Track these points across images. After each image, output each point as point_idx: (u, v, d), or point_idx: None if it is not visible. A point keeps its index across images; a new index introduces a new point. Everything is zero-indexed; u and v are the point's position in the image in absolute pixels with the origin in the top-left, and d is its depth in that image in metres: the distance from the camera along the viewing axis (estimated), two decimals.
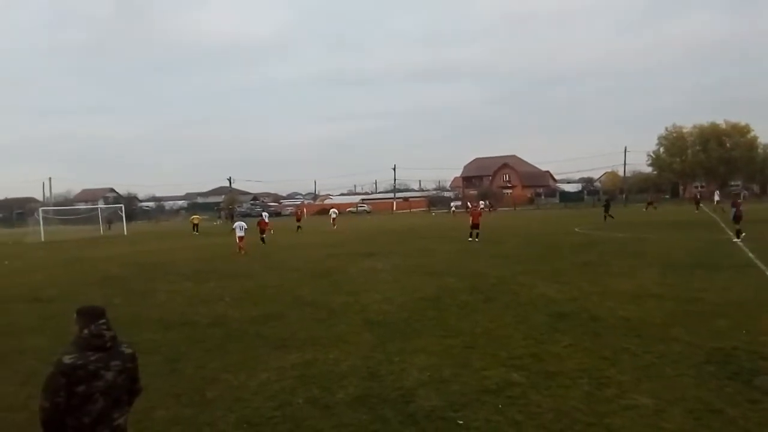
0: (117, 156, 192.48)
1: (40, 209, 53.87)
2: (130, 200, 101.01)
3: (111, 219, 60.44)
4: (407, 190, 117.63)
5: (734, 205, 23.64)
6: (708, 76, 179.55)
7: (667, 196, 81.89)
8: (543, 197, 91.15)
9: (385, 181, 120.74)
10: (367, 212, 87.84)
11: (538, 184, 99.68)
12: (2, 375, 7.60)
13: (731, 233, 22.89)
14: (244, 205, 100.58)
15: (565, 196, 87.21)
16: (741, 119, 79.37)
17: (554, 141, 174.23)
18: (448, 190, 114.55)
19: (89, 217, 60.81)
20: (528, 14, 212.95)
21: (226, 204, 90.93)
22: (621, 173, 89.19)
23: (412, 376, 6.91)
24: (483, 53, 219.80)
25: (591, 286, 12.70)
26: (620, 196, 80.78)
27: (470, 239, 26.34)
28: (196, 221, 47.45)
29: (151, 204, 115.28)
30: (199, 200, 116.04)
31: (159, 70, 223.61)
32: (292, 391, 6.62)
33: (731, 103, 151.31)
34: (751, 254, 16.87)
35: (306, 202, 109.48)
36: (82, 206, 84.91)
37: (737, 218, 22.25)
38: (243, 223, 26.47)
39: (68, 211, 68.26)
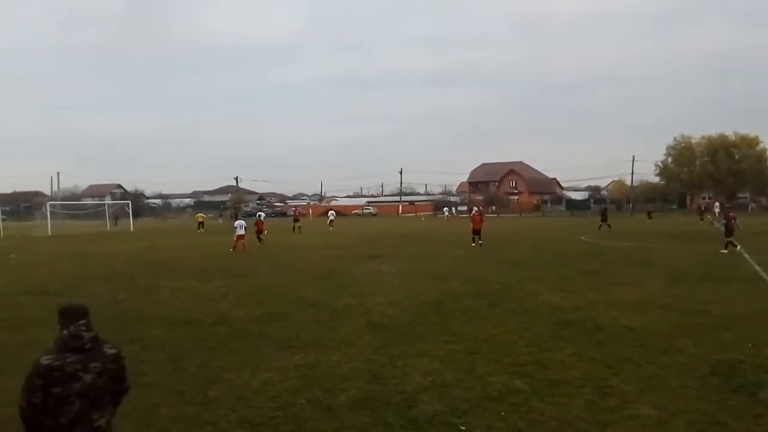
0: (125, 153, 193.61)
1: (48, 203, 54.15)
2: (137, 197, 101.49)
3: (117, 215, 60.82)
4: (413, 193, 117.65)
5: (726, 217, 23.67)
6: (718, 87, 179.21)
7: (674, 207, 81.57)
8: (549, 204, 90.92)
9: (392, 185, 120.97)
10: (373, 215, 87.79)
11: (544, 191, 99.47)
12: (8, 368, 7.63)
13: (739, 245, 22.80)
14: (250, 204, 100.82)
15: (572, 204, 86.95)
16: (750, 131, 78.88)
17: (562, 148, 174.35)
18: (454, 195, 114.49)
19: (96, 213, 61.16)
20: (539, 21, 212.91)
21: (232, 203, 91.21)
22: (628, 182, 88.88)
23: (414, 381, 6.90)
24: (493, 59, 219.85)
25: (596, 295, 12.66)
26: (627, 205, 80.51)
27: (473, 244, 26.40)
28: (201, 219, 47.73)
29: (157, 201, 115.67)
30: (206, 199, 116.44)
31: (169, 69, 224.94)
32: (294, 391, 6.63)
33: (741, 115, 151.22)
34: (757, 267, 16.79)
35: (312, 203, 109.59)
36: (89, 201, 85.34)
37: (729, 231, 22.29)
38: (243, 222, 26.89)
39: (75, 206, 68.61)
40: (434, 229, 44.20)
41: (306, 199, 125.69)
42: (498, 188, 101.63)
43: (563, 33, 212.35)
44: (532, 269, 17.52)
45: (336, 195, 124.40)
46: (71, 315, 3.36)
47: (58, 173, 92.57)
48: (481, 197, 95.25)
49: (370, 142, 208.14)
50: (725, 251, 21.47)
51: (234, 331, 9.87)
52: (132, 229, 49.77)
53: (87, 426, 3.27)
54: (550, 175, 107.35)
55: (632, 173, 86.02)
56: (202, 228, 45.13)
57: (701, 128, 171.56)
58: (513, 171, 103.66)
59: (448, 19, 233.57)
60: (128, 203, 60.69)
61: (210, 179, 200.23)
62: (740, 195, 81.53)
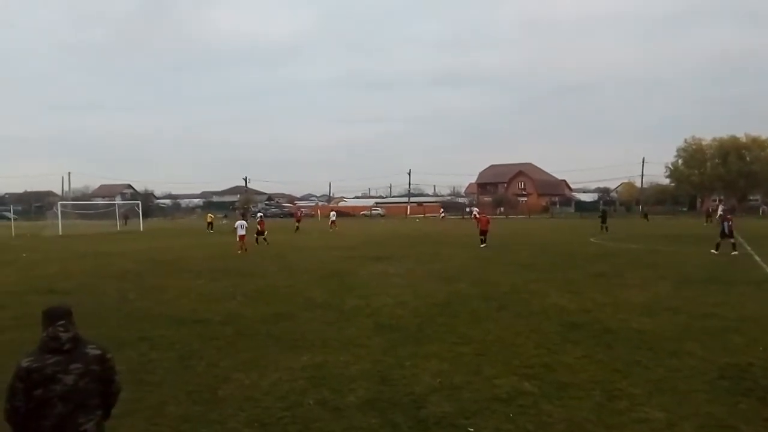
0: (135, 153, 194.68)
1: (59, 203, 54.49)
2: (147, 197, 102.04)
3: (127, 215, 61.13)
4: (422, 194, 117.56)
5: (723, 219, 23.54)
6: (729, 88, 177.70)
7: (684, 209, 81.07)
8: (558, 206, 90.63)
9: (400, 186, 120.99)
10: (381, 216, 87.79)
11: (553, 193, 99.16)
12: None
13: (748, 248, 22.67)
14: (259, 205, 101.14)
15: (581, 206, 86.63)
16: (762, 133, 78.21)
17: (571, 150, 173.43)
18: (462, 196, 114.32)
19: (106, 213, 61.47)
20: (548, 22, 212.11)
21: (241, 204, 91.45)
22: (638, 184, 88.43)
23: (423, 382, 6.90)
24: (502, 60, 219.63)
25: (604, 297, 12.61)
26: (636, 207, 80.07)
27: (483, 245, 26.44)
28: (210, 219, 48.03)
29: (167, 201, 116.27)
30: (215, 199, 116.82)
31: (179, 69, 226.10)
32: (302, 392, 6.65)
33: (752, 117, 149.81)
34: (767, 269, 16.68)
35: (320, 203, 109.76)
36: (99, 201, 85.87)
37: (729, 233, 22.20)
38: (244, 222, 27.30)
39: (86, 205, 68.94)
40: (439, 231, 44.15)
41: (314, 200, 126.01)
42: (507, 190, 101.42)
43: (573, 34, 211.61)
44: (540, 271, 17.47)
45: (344, 196, 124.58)
46: (51, 316, 3.31)
47: (69, 173, 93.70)
48: (490, 199, 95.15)
49: (378, 143, 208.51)
50: (735, 252, 21.51)
51: (242, 330, 9.91)
52: (142, 229, 50.02)
53: (72, 430, 3.22)
54: (560, 177, 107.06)
55: (642, 175, 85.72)
56: (212, 228, 45.43)
57: (712, 130, 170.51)
58: (522, 172, 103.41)
59: (458, 21, 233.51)
60: (138, 203, 60.97)
61: (219, 180, 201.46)
62: (751, 197, 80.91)
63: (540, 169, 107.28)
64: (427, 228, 49.03)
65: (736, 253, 21.38)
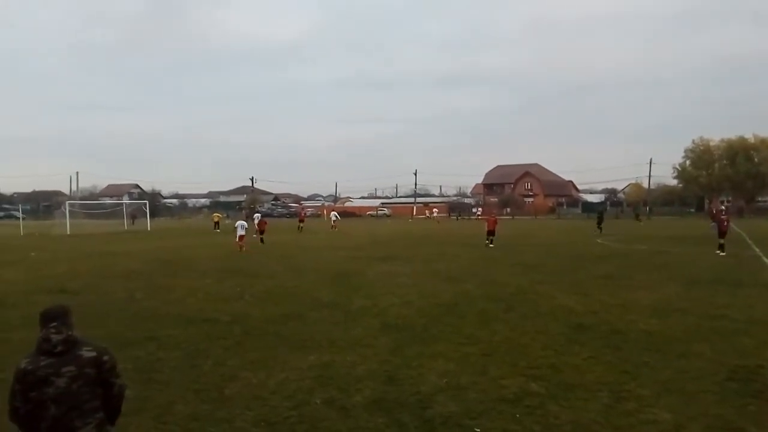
0: (143, 153, 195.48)
1: (67, 203, 54.76)
2: (154, 197, 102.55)
3: (135, 214, 61.44)
4: (428, 195, 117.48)
5: (715, 219, 23.62)
6: (737, 89, 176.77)
7: (692, 210, 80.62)
8: (565, 207, 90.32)
9: (406, 186, 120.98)
10: (387, 216, 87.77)
11: (560, 194, 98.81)
12: None
13: (757, 249, 22.57)
14: (265, 205, 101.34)
15: (588, 207, 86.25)
16: None
17: (578, 150, 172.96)
18: (469, 197, 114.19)
19: (114, 212, 61.85)
20: (554, 22, 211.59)
21: (247, 203, 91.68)
22: (645, 185, 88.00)
23: (429, 382, 6.90)
24: (508, 61, 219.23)
25: (612, 299, 12.56)
26: (644, 208, 79.70)
27: (491, 246, 26.45)
28: (217, 219, 48.21)
29: (174, 201, 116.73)
30: (222, 199, 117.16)
31: (186, 69, 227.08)
32: (309, 391, 6.66)
33: (760, 117, 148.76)
34: None
35: (326, 203, 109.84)
36: (107, 201, 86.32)
37: (721, 233, 22.29)
38: (244, 222, 27.67)
39: (94, 205, 69.31)
40: (446, 231, 44.11)
41: (321, 200, 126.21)
42: (513, 190, 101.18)
43: (581, 33, 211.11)
44: (547, 272, 17.43)
45: (350, 196, 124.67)
46: (44, 318, 3.30)
47: (77, 173, 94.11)
48: (496, 199, 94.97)
49: (384, 144, 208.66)
50: (722, 253, 21.86)
51: (249, 330, 9.93)
52: (149, 229, 50.24)
53: None
54: (566, 178, 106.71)
55: (649, 176, 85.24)
56: (218, 228, 45.61)
57: (720, 131, 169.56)
58: (528, 173, 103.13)
59: (464, 21, 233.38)
60: (145, 203, 61.17)
61: (226, 179, 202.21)
62: (760, 198, 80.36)
63: (546, 169, 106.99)
64: (418, 228, 48.99)
65: (722, 253, 21.71)
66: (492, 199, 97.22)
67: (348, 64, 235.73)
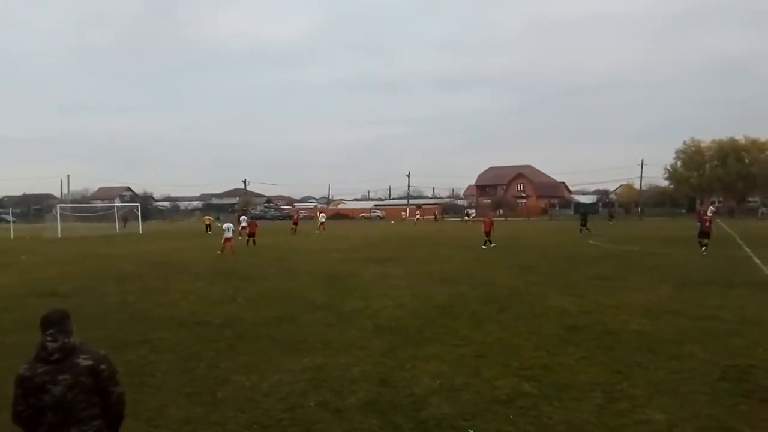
0: (134, 155, 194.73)
1: (58, 206, 54.41)
2: (146, 199, 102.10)
3: (126, 217, 61.12)
4: (421, 197, 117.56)
5: (699, 219, 24.05)
6: (729, 91, 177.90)
7: (684, 211, 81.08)
8: (557, 208, 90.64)
9: (400, 188, 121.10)
10: (380, 218, 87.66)
11: (552, 195, 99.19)
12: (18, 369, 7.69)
13: (748, 250, 22.75)
14: (258, 207, 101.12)
15: (580, 208, 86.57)
16: (761, 135, 78.29)
17: (570, 152, 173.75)
18: (461, 198, 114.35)
19: (105, 215, 61.54)
20: (549, 25, 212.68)
21: (240, 206, 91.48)
22: (637, 186, 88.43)
23: (423, 384, 6.90)
24: (502, 62, 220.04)
25: (605, 299, 12.60)
26: (636, 209, 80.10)
27: (490, 246, 26.88)
28: (208, 222, 48.05)
29: (166, 204, 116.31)
30: (214, 201, 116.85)
31: (178, 72, 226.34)
32: (303, 394, 6.64)
33: (751, 119, 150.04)
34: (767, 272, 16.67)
35: (319, 205, 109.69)
36: (98, 204, 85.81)
37: (703, 233, 23.11)
38: (231, 225, 27.94)
39: (85, 208, 68.93)
40: (440, 233, 44.15)
41: (314, 202, 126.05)
42: (506, 192, 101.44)
43: (572, 36, 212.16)
44: (540, 273, 17.47)
45: (344, 198, 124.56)
46: (42, 324, 3.28)
47: (68, 176, 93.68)
48: (489, 201, 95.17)
49: (378, 145, 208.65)
50: (703, 250, 22.44)
51: (242, 333, 9.90)
52: (141, 232, 50.02)
53: None
54: (559, 179, 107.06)
55: (641, 177, 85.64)
56: (210, 230, 45.43)
57: (711, 132, 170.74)
58: (521, 174, 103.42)
59: (458, 23, 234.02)
60: (137, 206, 60.89)
61: (218, 182, 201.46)
62: (750, 199, 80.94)
63: (539, 171, 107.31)
64: (407, 230, 49.02)
65: (704, 252, 22.29)
66: (485, 201, 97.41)
67: (343, 65, 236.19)
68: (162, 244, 34.30)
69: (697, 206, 79.34)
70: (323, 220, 47.25)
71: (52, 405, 3.13)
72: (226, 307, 12.40)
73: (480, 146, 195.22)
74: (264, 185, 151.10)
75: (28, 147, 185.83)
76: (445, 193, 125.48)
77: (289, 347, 8.82)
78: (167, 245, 33.57)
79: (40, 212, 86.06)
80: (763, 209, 73.69)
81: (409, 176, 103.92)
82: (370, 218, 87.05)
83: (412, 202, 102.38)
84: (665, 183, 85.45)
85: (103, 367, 3.28)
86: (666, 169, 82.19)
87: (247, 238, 30.89)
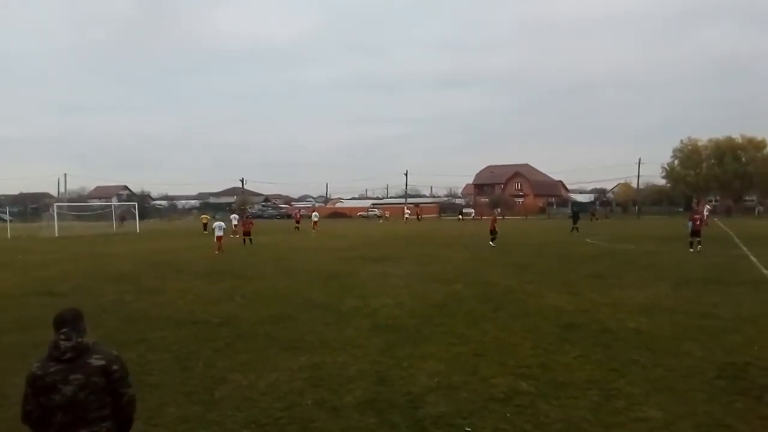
0: (132, 154, 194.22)
1: (55, 205, 54.37)
2: (143, 198, 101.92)
3: (124, 216, 61.02)
4: (418, 195, 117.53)
5: (691, 218, 24.39)
6: (725, 90, 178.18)
7: (681, 209, 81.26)
8: (555, 207, 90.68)
9: (397, 187, 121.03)
10: (378, 217, 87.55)
11: (550, 194, 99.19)
12: (17, 368, 7.68)
13: (744, 248, 22.84)
14: (256, 206, 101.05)
15: (577, 207, 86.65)
16: (758, 134, 78.39)
17: (568, 151, 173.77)
18: (459, 197, 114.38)
19: (102, 214, 61.45)
20: (547, 25, 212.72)
21: (238, 205, 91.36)
22: (634, 185, 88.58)
23: (420, 382, 6.91)
24: (500, 62, 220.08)
25: (602, 298, 12.63)
26: (633, 207, 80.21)
27: (492, 244, 27.20)
28: (205, 221, 47.98)
29: (163, 203, 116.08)
30: (212, 200, 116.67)
31: (176, 71, 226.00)
32: (300, 392, 6.65)
33: (748, 118, 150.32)
34: (764, 270, 16.71)
35: (317, 204, 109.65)
36: (95, 203, 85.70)
37: (694, 232, 23.48)
38: (222, 224, 28.16)
39: (82, 207, 68.86)
40: (437, 232, 44.17)
41: (311, 201, 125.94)
42: (503, 191, 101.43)
43: (570, 36, 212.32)
44: (537, 272, 17.50)
45: (341, 197, 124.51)
46: (55, 323, 3.24)
47: (65, 175, 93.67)
48: (487, 199, 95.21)
49: (376, 144, 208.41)
50: (691, 249, 22.94)
51: (240, 332, 9.90)
52: (138, 231, 49.95)
53: None
54: (556, 178, 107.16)
55: (638, 176, 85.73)
56: (207, 229, 45.39)
57: (708, 131, 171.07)
58: (518, 173, 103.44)
59: (456, 23, 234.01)
60: (134, 204, 60.84)
61: (216, 181, 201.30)
62: (747, 198, 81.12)
63: (536, 170, 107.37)
64: (402, 229, 49.03)
65: (692, 250, 22.77)
66: (482, 200, 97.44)
67: (341, 65, 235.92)
68: (159, 243, 34.27)
69: (695, 205, 79.70)
70: (316, 219, 47.48)
71: (62, 405, 3.10)
72: (223, 306, 12.40)
73: (478, 146, 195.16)
74: (262, 184, 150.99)
75: (25, 146, 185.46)
76: (442, 192, 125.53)
77: (286, 346, 8.82)
78: (164, 244, 33.54)
79: (37, 211, 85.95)
80: (760, 208, 73.86)
81: (407, 175, 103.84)
82: (368, 217, 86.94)
83: (410, 200, 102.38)
84: (662, 182, 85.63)
85: (115, 367, 3.26)
86: (663, 167, 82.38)
87: (242, 237, 30.83)
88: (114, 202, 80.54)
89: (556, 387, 6.63)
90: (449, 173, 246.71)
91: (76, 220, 57.49)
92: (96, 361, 3.20)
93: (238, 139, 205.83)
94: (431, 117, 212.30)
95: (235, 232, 33.49)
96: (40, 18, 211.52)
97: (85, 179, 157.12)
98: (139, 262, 22.34)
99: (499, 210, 27.99)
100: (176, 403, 6.36)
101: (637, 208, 79.05)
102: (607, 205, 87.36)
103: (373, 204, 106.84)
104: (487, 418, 5.76)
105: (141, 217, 59.12)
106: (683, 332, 9.24)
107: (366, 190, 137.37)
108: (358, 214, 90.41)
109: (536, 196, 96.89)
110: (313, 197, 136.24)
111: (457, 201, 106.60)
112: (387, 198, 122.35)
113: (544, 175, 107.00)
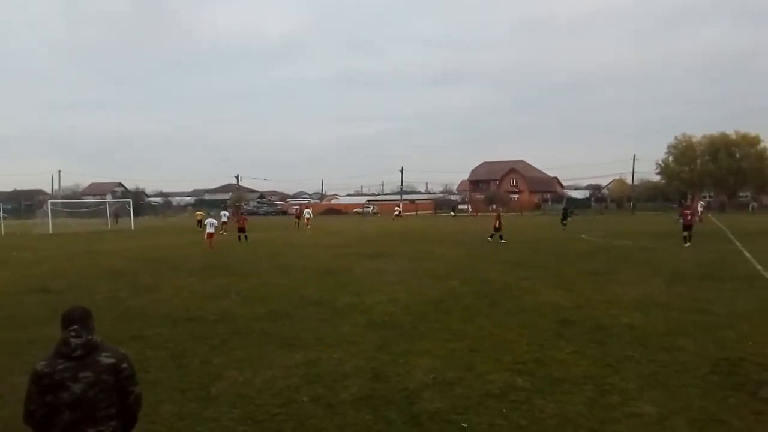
0: (126, 151, 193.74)
1: (49, 202, 54.10)
2: (138, 195, 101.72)
3: (118, 213, 60.84)
4: (414, 192, 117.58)
5: (681, 214, 24.73)
6: (719, 87, 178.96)
7: (675, 206, 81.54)
8: (550, 203, 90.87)
9: (392, 183, 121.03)
10: (372, 213, 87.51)
11: (545, 190, 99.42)
12: (12, 366, 7.68)
13: (738, 244, 22.96)
14: (251, 203, 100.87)
15: (572, 203, 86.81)
16: (751, 130, 78.81)
17: (563, 147, 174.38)
18: (454, 193, 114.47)
19: (97, 211, 61.22)
20: (542, 22, 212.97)
21: (233, 201, 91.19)
22: (629, 181, 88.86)
23: (416, 378, 6.92)
24: (495, 58, 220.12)
25: (597, 294, 12.67)
26: (628, 203, 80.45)
27: (503, 241, 27.20)
28: (200, 217, 47.90)
29: (158, 199, 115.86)
30: (206, 197, 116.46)
31: (170, 68, 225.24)
32: (296, 389, 6.66)
33: (742, 114, 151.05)
34: (758, 266, 16.79)
35: (312, 201, 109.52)
36: (90, 200, 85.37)
37: (686, 227, 23.94)
38: (213, 221, 28.49)
39: (76, 204, 68.60)
40: (433, 229, 44.20)
41: (307, 198, 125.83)
42: (499, 187, 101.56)
43: (565, 32, 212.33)
44: (532, 268, 17.53)
45: (337, 193, 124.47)
46: (64, 320, 3.19)
47: (59, 171, 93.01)
48: (482, 196, 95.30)
49: (371, 141, 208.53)
50: (687, 244, 23.31)
51: (236, 329, 9.89)
52: (133, 228, 49.81)
53: None
54: (551, 174, 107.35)
55: (633, 172, 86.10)
56: (201, 226, 45.34)
57: (702, 127, 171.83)
58: (514, 170, 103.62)
59: (451, 19, 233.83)
60: (129, 201, 60.65)
61: (211, 177, 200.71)
62: (741, 194, 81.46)
63: (532, 166, 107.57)
64: (396, 225, 49.06)
65: (687, 244, 23.20)
66: (478, 196, 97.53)
67: (336, 62, 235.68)
68: (154, 240, 34.19)
69: (689, 201, 79.94)
70: (308, 216, 47.61)
71: (70, 403, 3.05)
72: (219, 303, 12.39)
73: (474, 142, 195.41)
74: (257, 181, 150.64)
75: (19, 143, 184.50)
76: (438, 188, 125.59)
77: (282, 343, 8.82)
78: (159, 241, 33.47)
79: (30, 208, 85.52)
80: (754, 204, 74.22)
81: (402, 172, 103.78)
82: (363, 213, 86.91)
83: (405, 197, 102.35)
84: (657, 178, 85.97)
85: (125, 365, 3.24)
86: (658, 164, 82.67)
87: (237, 233, 30.66)
88: (108, 199, 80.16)
89: (552, 383, 6.66)
90: (445, 170, 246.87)
91: (70, 217, 57.19)
92: (106, 359, 3.18)
93: (233, 136, 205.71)
94: (427, 113, 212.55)
95: (224, 229, 33.31)
96: (36, 15, 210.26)
97: (79, 176, 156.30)
98: (134, 259, 22.29)
99: (500, 207, 27.97)
100: (172, 400, 6.35)
101: (631, 204, 79.30)
102: (602, 201, 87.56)
103: (369, 201, 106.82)
104: (483, 414, 5.78)
105: (136, 214, 58.92)
106: (677, 328, 9.28)
107: (361, 186, 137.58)
108: (354, 210, 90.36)
109: (531, 192, 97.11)
110: (308, 194, 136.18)
111: (452, 197, 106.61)
112: (382, 195, 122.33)
113: (540, 171, 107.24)
